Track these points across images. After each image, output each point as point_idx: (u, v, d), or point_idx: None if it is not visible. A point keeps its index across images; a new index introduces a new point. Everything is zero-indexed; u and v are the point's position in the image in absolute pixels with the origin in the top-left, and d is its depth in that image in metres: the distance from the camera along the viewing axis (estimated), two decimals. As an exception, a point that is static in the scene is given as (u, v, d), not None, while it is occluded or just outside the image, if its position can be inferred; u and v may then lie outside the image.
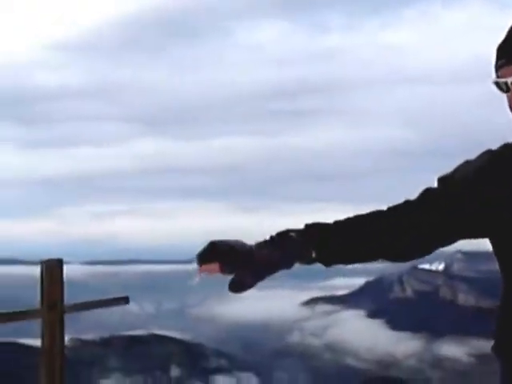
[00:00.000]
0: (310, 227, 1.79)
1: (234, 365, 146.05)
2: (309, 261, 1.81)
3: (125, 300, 5.43)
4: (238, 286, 1.73)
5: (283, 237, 1.76)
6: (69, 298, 5.10)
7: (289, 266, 1.80)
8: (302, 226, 1.80)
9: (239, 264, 1.72)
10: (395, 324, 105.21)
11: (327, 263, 1.85)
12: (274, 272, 1.78)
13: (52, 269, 4.76)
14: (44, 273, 4.71)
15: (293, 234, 1.76)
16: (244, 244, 1.75)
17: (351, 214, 1.82)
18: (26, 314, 4.87)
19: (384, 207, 1.86)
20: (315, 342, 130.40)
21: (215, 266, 1.72)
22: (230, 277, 1.61)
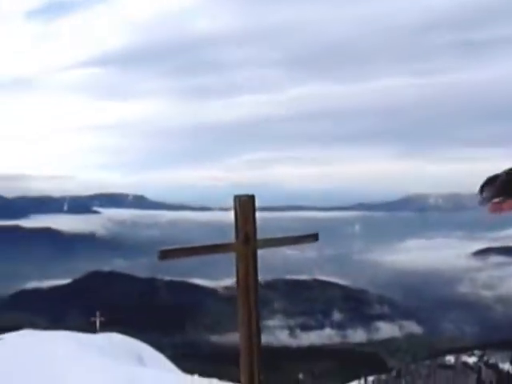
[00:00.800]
0: None
1: (396, 312, 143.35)
2: None
3: (314, 237, 5.40)
4: None
5: None
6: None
7: None
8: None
9: None
10: None
11: None
12: None
13: (245, 204, 4.85)
14: (237, 208, 4.85)
15: None
16: None
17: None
18: (221, 247, 4.99)
19: None
20: (486, 293, 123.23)
21: None
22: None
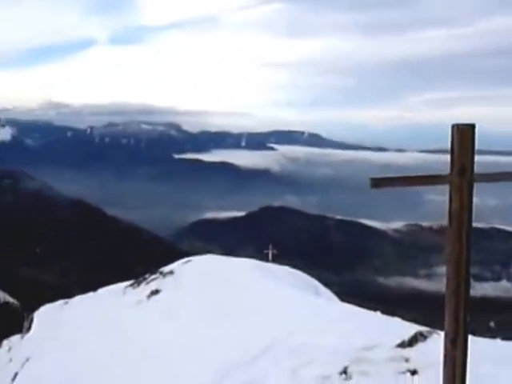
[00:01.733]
0: None
1: None
2: None
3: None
4: None
5: None
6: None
7: None
8: None
9: None
10: None
11: None
12: None
13: (463, 133, 4.54)
14: (455, 137, 4.54)
15: None
16: None
17: None
18: (435, 178, 4.78)
19: None
20: None
21: None
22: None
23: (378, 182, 4.50)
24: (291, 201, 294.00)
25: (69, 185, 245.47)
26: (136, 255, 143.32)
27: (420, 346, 7.97)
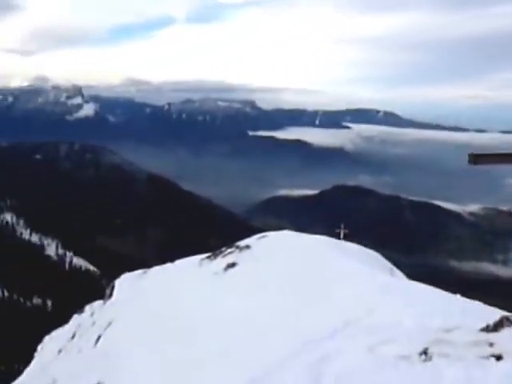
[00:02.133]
0: None
1: None
2: None
3: None
4: None
5: None
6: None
7: None
8: None
9: None
10: None
11: None
12: None
13: None
14: None
15: None
16: None
17: None
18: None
19: None
20: None
21: None
22: None
23: (476, 159, 4.25)
24: (364, 180, 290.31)
25: (147, 160, 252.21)
26: (210, 230, 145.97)
27: (506, 332, 7.71)
